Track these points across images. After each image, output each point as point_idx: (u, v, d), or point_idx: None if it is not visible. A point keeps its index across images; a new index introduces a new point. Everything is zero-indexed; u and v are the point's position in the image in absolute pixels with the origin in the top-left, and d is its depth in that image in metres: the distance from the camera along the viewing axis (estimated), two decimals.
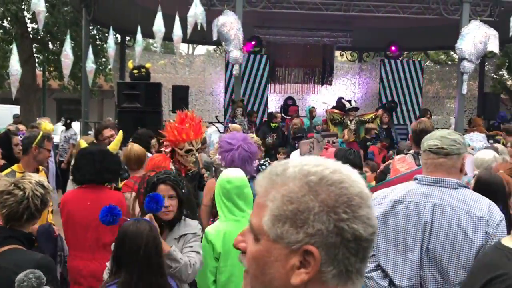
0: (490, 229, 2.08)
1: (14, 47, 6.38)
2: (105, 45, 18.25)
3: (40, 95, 19.81)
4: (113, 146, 4.22)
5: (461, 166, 2.28)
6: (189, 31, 9.08)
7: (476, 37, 9.66)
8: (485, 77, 15.95)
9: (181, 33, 8.95)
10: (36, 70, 20.54)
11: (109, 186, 3.80)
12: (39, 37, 16.89)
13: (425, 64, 18.27)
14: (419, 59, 18.86)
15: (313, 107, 12.08)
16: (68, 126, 10.01)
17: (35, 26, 17.35)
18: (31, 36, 16.90)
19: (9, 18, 15.54)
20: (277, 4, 10.70)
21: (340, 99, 13.43)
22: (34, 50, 17.44)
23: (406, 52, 18.45)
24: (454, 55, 20.31)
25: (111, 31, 10.05)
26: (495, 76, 18.75)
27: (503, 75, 20.48)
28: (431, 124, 3.86)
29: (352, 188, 0.86)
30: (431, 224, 2.17)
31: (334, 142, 7.03)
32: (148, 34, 12.10)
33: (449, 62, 19.49)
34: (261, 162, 5.42)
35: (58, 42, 17.32)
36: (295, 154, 6.77)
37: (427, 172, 2.29)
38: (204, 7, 9.67)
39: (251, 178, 3.87)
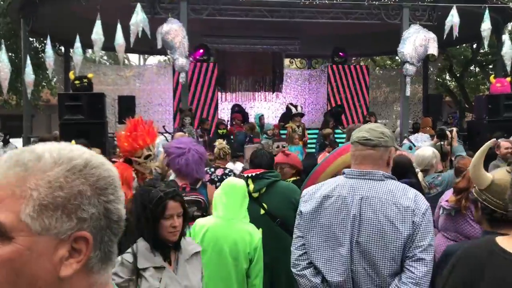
0: (416, 218, 2.06)
1: None
2: None
3: None
4: None
5: (388, 159, 2.26)
6: (132, 39, 8.89)
7: (417, 41, 9.97)
8: (429, 80, 16.53)
9: (123, 41, 8.73)
10: None
11: None
12: None
13: (373, 70, 18.77)
14: (365, 64, 19.32)
15: (262, 115, 12.09)
16: (5, 142, 9.54)
17: None
18: None
19: None
20: (223, 12, 10.67)
21: (288, 105, 13.55)
22: None
23: (354, 58, 18.87)
24: (399, 60, 20.97)
25: (49, 40, 9.67)
26: (438, 79, 19.44)
27: (445, 78, 21.28)
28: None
29: (111, 171, 0.86)
30: (359, 217, 2.13)
31: (284, 147, 7.01)
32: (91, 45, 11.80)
33: (395, 67, 20.07)
34: (226, 171, 5.31)
35: None
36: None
37: (354, 164, 2.26)
38: (148, 15, 9.52)
39: (203, 185, 3.79)
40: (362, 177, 2.20)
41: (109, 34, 9.27)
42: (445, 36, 9.89)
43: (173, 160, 3.75)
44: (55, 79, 17.25)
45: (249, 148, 5.04)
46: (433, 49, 10.09)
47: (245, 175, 3.62)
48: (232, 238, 3.00)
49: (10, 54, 14.87)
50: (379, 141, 2.22)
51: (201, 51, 13.39)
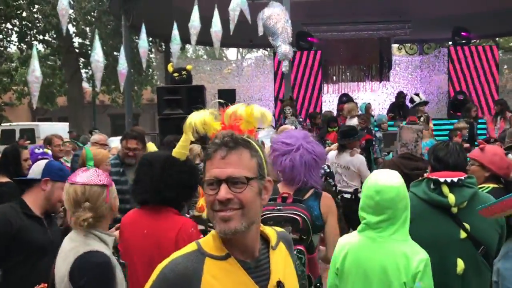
0: None
1: (34, 50, 5.61)
2: (151, 55, 18.02)
3: (91, 111, 19.74)
4: (178, 150, 2.80)
5: None
6: (231, 26, 8.22)
7: None
8: None
9: (220, 28, 8.08)
10: (86, 86, 20.61)
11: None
12: (84, 51, 16.72)
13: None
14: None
15: (369, 103, 10.90)
16: None
17: (81, 41, 17.27)
18: (76, 50, 16.75)
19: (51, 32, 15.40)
20: None
21: (400, 93, 12.12)
22: (81, 65, 17.30)
23: (473, 41, 16.83)
24: None
25: (143, 29, 9.31)
26: None
27: None
28: None
29: None
30: None
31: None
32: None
33: None
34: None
35: (105, 56, 17.18)
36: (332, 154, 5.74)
37: None
38: (248, 1, 8.81)
39: (315, 195, 2.77)
40: None
41: (207, 28, 8.70)
42: None
43: (277, 159, 2.81)
44: (156, 77, 17.42)
45: (408, 129, 3.80)
46: None
47: (433, 178, 2.59)
48: (379, 263, 2.12)
49: (116, 54, 15.22)
50: None
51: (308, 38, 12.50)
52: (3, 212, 2.67)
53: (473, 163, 2.96)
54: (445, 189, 2.52)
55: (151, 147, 3.36)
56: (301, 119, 9.37)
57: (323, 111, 11.17)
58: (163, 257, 2.01)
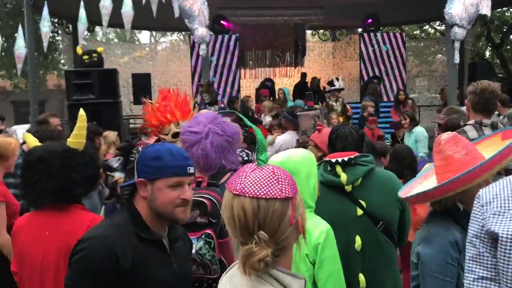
0: None
1: None
2: (57, 37, 16.80)
3: None
4: (73, 140, 2.38)
5: None
6: (153, 7, 7.81)
7: (467, 0, 8.79)
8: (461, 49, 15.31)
9: (131, 9, 7.67)
10: None
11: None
12: None
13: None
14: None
15: (281, 89, 11.10)
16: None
17: None
18: None
19: None
20: None
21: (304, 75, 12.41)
22: None
23: (381, 28, 17.71)
24: (430, 30, 19.66)
25: (45, 8, 8.59)
26: (472, 48, 18.14)
27: (481, 46, 19.87)
28: (495, 84, 2.87)
29: None
30: None
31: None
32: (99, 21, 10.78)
33: (424, 37, 18.74)
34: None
35: (4, 37, 15.73)
36: (281, 138, 5.69)
37: None
38: None
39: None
40: None
41: (117, 9, 8.21)
42: None
43: (189, 150, 2.66)
44: (63, 61, 16.33)
45: (305, 116, 3.91)
46: (486, 9, 8.89)
47: (328, 160, 2.61)
48: None
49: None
50: None
51: (225, 22, 12.34)
52: (103, 235, 1.64)
53: (310, 143, 3.16)
54: (338, 169, 2.55)
55: (28, 139, 2.84)
56: (222, 105, 9.18)
57: (240, 96, 11.13)
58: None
